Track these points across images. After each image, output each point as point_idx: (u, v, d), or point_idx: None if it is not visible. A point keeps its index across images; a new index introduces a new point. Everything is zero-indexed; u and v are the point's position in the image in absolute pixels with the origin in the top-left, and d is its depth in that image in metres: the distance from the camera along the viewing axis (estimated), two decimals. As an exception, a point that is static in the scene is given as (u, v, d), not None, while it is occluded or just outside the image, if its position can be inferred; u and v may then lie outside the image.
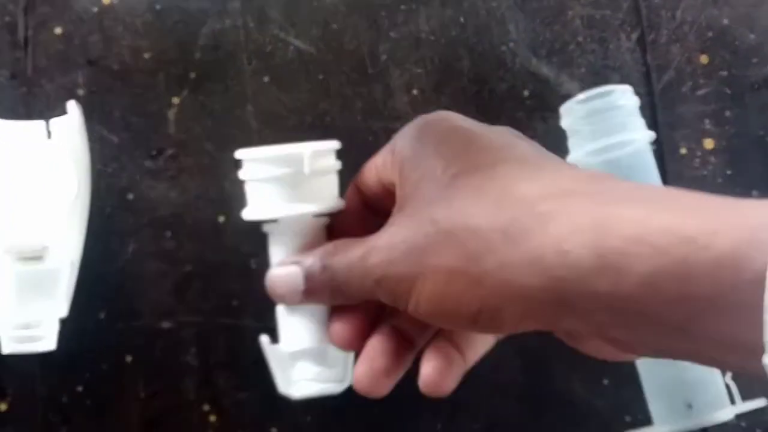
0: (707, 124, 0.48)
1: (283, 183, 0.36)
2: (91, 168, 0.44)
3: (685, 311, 0.25)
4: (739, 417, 0.43)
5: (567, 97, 0.47)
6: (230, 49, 0.47)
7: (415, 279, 0.31)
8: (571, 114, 0.44)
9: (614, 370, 0.46)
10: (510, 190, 0.30)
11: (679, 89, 0.48)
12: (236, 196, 0.46)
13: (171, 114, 0.46)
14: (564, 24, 0.48)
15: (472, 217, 0.30)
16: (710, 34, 0.49)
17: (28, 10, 0.47)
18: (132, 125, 0.46)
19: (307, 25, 0.47)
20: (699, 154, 0.48)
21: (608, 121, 0.43)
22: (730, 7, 0.49)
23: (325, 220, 0.38)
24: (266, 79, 0.47)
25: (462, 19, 0.48)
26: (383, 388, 0.35)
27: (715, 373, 0.42)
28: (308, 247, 0.36)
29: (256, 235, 0.45)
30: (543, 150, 0.33)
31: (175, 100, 0.46)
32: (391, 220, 0.33)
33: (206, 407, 0.44)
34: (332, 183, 0.37)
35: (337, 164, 0.38)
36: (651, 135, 0.43)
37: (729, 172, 0.48)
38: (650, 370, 0.44)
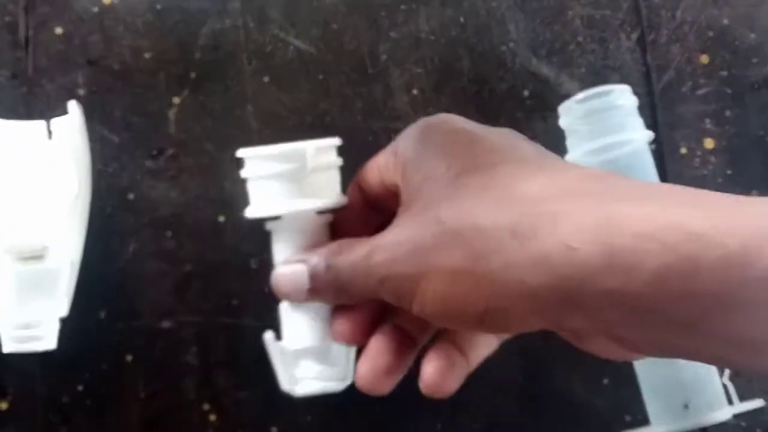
0: (707, 123, 0.48)
1: (285, 180, 0.36)
2: (91, 168, 0.44)
3: (693, 308, 0.25)
4: (739, 417, 0.43)
5: (567, 97, 0.47)
6: (230, 49, 0.47)
7: (420, 278, 0.31)
8: (569, 113, 0.44)
9: (614, 370, 0.46)
10: (515, 189, 0.30)
11: (679, 89, 0.48)
12: (236, 195, 0.46)
13: (171, 114, 0.46)
14: (564, 24, 0.48)
15: (478, 216, 0.30)
16: (710, 34, 0.49)
17: (29, 10, 0.47)
18: (132, 125, 0.46)
19: (307, 25, 0.48)
20: (699, 153, 0.48)
21: (607, 121, 0.43)
22: (731, 7, 0.49)
23: (327, 218, 0.38)
24: (266, 79, 0.47)
25: (462, 19, 0.48)
26: (386, 386, 0.35)
27: (713, 373, 0.43)
28: (311, 244, 0.37)
29: (256, 235, 0.45)
30: (545, 150, 0.34)
31: (176, 100, 0.47)
32: (395, 220, 0.33)
33: (206, 406, 0.45)
34: (334, 179, 0.38)
35: (338, 161, 0.38)
36: (649, 135, 0.43)
37: (729, 171, 0.48)
38: (647, 370, 0.44)
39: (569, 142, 0.44)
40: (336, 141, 0.38)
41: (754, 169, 0.48)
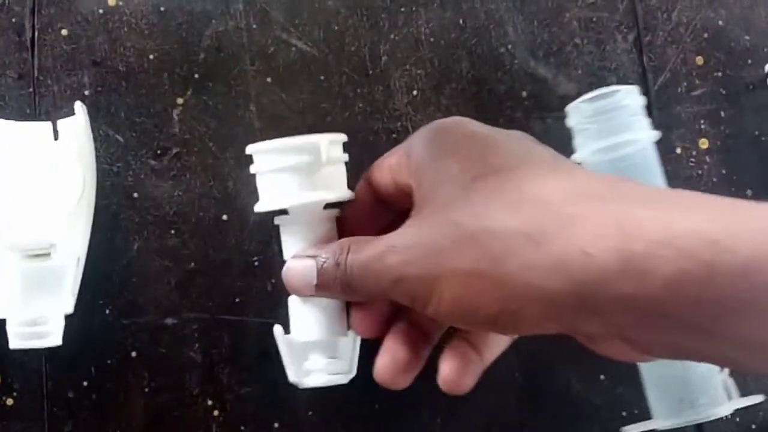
0: (703, 124, 0.49)
1: (297, 172, 0.36)
2: (96, 167, 0.44)
3: (707, 313, 0.26)
4: (734, 413, 0.43)
5: (565, 97, 0.48)
6: (233, 51, 0.48)
7: (434, 280, 0.31)
8: (577, 113, 0.44)
9: (611, 367, 0.46)
10: (530, 193, 0.30)
11: (674, 90, 0.49)
12: (240, 194, 0.46)
13: (175, 114, 0.47)
14: (561, 26, 0.49)
15: (494, 219, 0.30)
16: (706, 35, 0.49)
17: (35, 12, 0.47)
18: (137, 125, 0.47)
19: (308, 26, 0.48)
20: (694, 153, 0.48)
21: (614, 121, 0.43)
22: (726, 9, 0.49)
23: (335, 212, 0.38)
24: (269, 79, 0.48)
25: (461, 21, 0.49)
26: (404, 381, 0.36)
27: (714, 369, 0.43)
28: (320, 238, 0.37)
29: (259, 234, 0.46)
30: (556, 153, 0.34)
31: (180, 101, 0.47)
32: (408, 221, 0.34)
33: (209, 402, 0.45)
34: (342, 173, 0.38)
35: (345, 156, 0.38)
36: (656, 134, 0.44)
37: (724, 171, 0.48)
38: (650, 365, 0.44)
39: (577, 141, 0.44)
40: (343, 136, 0.38)
41: (748, 169, 0.48)
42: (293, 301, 0.38)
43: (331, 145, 0.37)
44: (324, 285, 0.35)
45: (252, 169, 0.38)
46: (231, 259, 0.46)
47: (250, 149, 0.38)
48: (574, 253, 0.28)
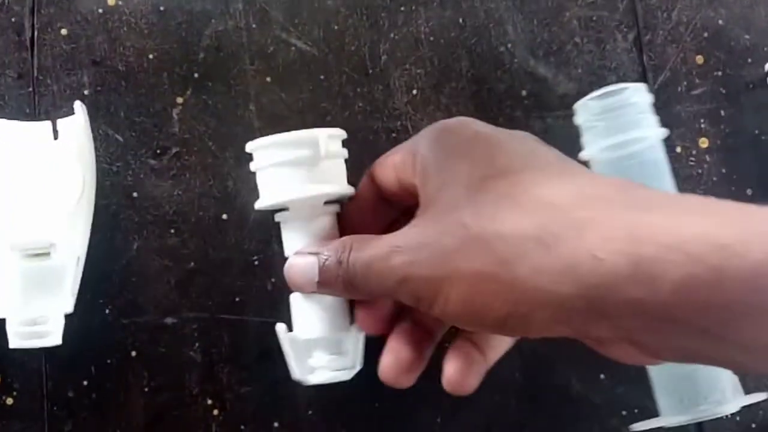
0: (703, 123, 0.49)
1: (295, 168, 0.36)
2: (96, 166, 0.44)
3: (716, 317, 0.26)
4: (734, 412, 0.43)
5: (564, 97, 0.48)
6: (233, 50, 0.48)
7: (441, 282, 0.31)
8: (585, 111, 0.44)
9: (611, 367, 0.46)
10: (538, 195, 0.30)
11: (675, 89, 0.49)
12: (239, 193, 0.46)
13: (175, 113, 0.47)
14: (561, 25, 0.49)
15: (503, 222, 0.30)
16: (706, 34, 0.49)
17: (35, 12, 0.47)
18: (137, 124, 0.47)
19: (308, 26, 0.48)
20: (694, 152, 0.48)
21: (622, 118, 0.43)
22: (726, 9, 0.49)
23: (335, 208, 0.38)
24: (268, 79, 0.48)
25: (461, 20, 0.49)
26: (409, 380, 0.36)
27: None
28: (321, 235, 0.37)
29: (259, 233, 0.46)
30: (562, 155, 0.34)
31: (179, 100, 0.47)
32: (414, 221, 0.33)
33: (209, 401, 0.45)
34: (341, 169, 0.38)
35: (344, 151, 0.38)
36: (664, 132, 0.44)
37: (724, 170, 0.48)
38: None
39: (585, 139, 0.44)
40: (342, 132, 0.38)
41: (748, 168, 0.48)
42: (295, 299, 0.38)
43: (330, 140, 0.37)
44: (326, 282, 0.35)
45: (252, 166, 0.38)
46: (231, 258, 0.46)
47: (249, 146, 0.38)
48: (584, 257, 0.28)
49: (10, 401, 0.44)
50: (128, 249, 0.46)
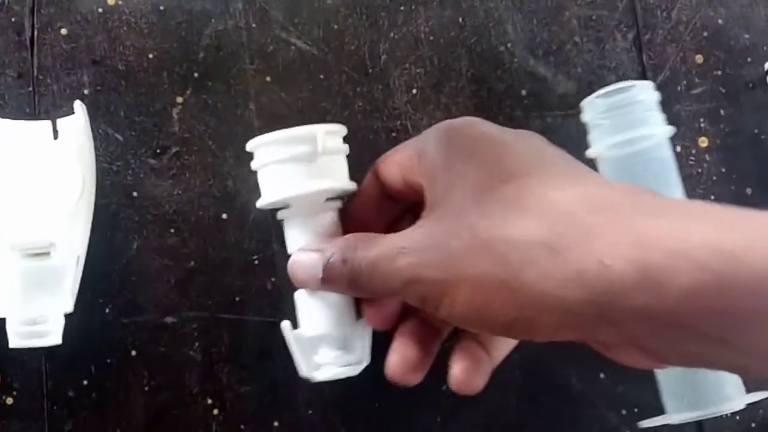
0: (702, 122, 0.49)
1: (295, 164, 0.36)
2: (96, 166, 0.44)
3: (724, 323, 0.26)
4: (734, 411, 0.43)
5: (564, 96, 0.48)
6: (233, 50, 0.48)
7: (447, 284, 0.31)
8: (592, 108, 0.44)
9: (611, 367, 0.46)
10: (547, 200, 0.30)
11: (674, 88, 0.49)
12: (239, 193, 0.46)
13: (175, 113, 0.47)
14: (561, 24, 0.49)
15: (511, 227, 0.30)
16: (705, 34, 0.49)
17: (35, 11, 0.47)
18: (136, 124, 0.47)
19: (308, 25, 0.48)
20: (694, 152, 0.48)
21: (629, 116, 0.43)
22: (725, 8, 0.49)
23: (337, 204, 0.38)
24: (268, 78, 0.48)
25: (461, 20, 0.49)
26: (416, 377, 0.36)
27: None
28: (324, 231, 0.37)
29: (259, 232, 0.46)
30: (568, 156, 0.34)
31: (179, 99, 0.47)
32: (420, 222, 0.33)
33: (209, 401, 0.45)
34: (342, 164, 0.38)
35: (345, 147, 0.38)
36: (671, 129, 0.44)
37: (723, 170, 0.48)
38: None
39: (592, 137, 0.44)
40: (342, 128, 0.38)
41: (748, 168, 0.48)
42: (300, 296, 0.38)
43: (328, 136, 0.37)
44: (330, 280, 0.35)
45: (252, 165, 0.38)
46: (231, 257, 0.46)
47: (249, 145, 0.38)
48: (592, 264, 0.28)
49: (10, 401, 0.44)
50: (128, 248, 0.46)
